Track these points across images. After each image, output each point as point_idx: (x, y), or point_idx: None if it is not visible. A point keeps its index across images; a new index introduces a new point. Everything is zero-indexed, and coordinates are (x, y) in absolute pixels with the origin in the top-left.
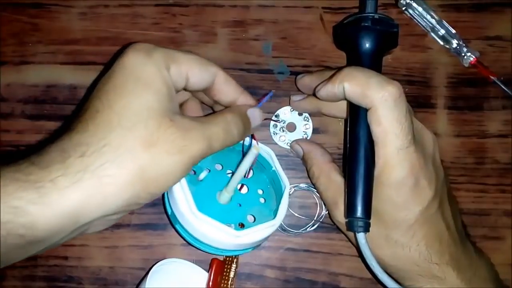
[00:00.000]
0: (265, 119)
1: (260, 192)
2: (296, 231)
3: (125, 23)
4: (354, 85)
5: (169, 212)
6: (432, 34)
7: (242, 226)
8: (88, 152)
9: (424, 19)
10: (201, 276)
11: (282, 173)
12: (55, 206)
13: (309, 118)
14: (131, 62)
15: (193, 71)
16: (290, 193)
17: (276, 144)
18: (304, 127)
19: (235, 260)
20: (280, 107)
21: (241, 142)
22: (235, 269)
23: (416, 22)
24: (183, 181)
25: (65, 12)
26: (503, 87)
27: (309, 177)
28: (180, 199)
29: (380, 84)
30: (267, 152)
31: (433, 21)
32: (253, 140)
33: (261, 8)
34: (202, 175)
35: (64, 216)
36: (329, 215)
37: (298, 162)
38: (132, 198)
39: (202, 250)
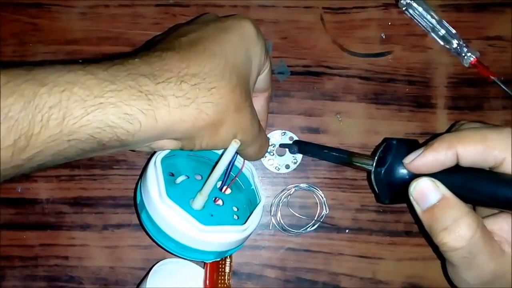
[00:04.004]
0: None
1: (235, 209)
2: (296, 231)
3: (126, 23)
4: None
5: (138, 199)
6: (432, 34)
7: None
8: (200, 85)
9: (425, 19)
10: (201, 276)
11: (260, 189)
12: (160, 121)
13: None
14: (249, 31)
15: (266, 75)
16: (291, 193)
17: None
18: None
19: None
20: (281, 107)
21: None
22: (230, 263)
23: (416, 22)
24: (159, 167)
25: (65, 12)
26: (503, 87)
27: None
28: (152, 182)
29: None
30: (248, 168)
31: (433, 21)
32: (238, 157)
33: (261, 8)
34: (179, 179)
35: (159, 130)
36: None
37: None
38: (199, 138)
39: (163, 248)
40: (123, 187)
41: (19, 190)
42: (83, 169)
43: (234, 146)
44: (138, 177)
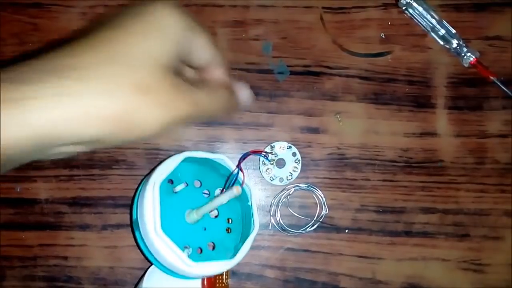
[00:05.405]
0: (258, 151)
1: (229, 221)
2: (296, 231)
3: None
4: None
5: (134, 217)
6: (432, 34)
7: (200, 251)
8: (87, 77)
9: (424, 19)
10: None
11: (255, 214)
12: (36, 128)
13: (300, 161)
14: (157, 7)
15: (204, 52)
16: (290, 193)
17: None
18: (292, 168)
19: None
20: (281, 107)
21: (227, 167)
22: None
23: (416, 22)
24: (156, 195)
25: (65, 12)
26: (502, 87)
27: None
28: (148, 214)
29: None
30: (248, 186)
31: (433, 21)
32: (240, 172)
33: (261, 8)
34: (178, 188)
35: (40, 139)
36: None
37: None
38: (109, 136)
39: (152, 263)
40: (122, 187)
41: (18, 190)
42: (82, 169)
43: (234, 192)
44: (137, 177)
